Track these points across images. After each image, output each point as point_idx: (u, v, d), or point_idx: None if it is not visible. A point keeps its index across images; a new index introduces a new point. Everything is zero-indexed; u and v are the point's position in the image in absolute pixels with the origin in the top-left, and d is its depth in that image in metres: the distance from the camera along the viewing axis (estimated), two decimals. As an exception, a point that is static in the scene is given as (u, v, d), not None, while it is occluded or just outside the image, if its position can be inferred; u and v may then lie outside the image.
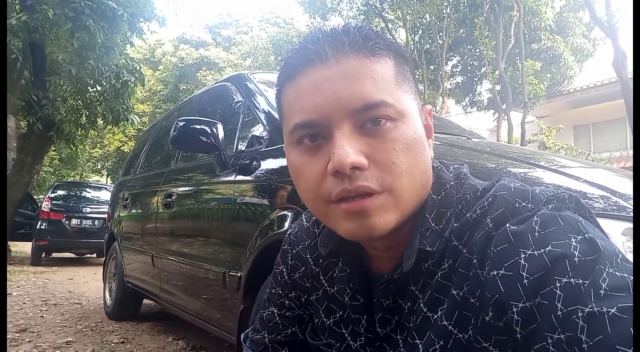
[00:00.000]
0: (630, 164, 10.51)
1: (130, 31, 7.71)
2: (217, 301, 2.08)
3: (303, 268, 0.73)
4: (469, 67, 15.12)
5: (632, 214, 0.94)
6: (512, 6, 11.01)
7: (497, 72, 11.22)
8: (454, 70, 15.57)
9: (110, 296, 3.87)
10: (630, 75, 7.34)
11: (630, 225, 0.90)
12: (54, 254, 9.25)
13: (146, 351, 2.83)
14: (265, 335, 0.75)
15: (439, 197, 0.57)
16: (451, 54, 14.93)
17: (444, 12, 12.93)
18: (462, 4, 12.83)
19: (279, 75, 0.59)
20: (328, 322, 0.68)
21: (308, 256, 0.72)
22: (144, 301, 3.74)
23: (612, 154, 12.54)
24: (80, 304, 4.42)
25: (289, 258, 0.75)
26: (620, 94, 7.66)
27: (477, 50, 13.30)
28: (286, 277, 0.75)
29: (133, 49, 10.09)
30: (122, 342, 2.98)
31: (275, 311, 0.75)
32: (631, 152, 11.32)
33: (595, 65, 13.98)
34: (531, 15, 11.83)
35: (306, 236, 0.74)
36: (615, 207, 0.99)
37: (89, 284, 5.84)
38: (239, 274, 1.78)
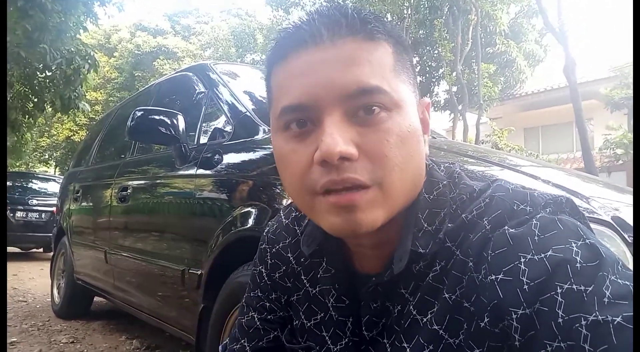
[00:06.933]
0: (576, 165, 11.08)
1: (85, 14, 7.33)
2: (174, 299, 2.02)
3: (284, 267, 0.68)
4: (427, 68, 15.44)
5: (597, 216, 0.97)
6: (470, 10, 11.34)
7: (454, 74, 11.53)
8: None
9: (58, 293, 3.68)
10: (580, 81, 7.71)
11: (595, 226, 0.92)
12: (-4, 249, 8.75)
13: (97, 350, 2.72)
14: (246, 343, 0.69)
15: (431, 197, 0.55)
16: (411, 54, 15.20)
17: (405, 12, 13.12)
18: (422, 6, 13.08)
19: (269, 57, 0.55)
20: (308, 324, 0.64)
21: (289, 254, 0.68)
22: (94, 299, 3.59)
23: (559, 156, 13.21)
24: (25, 301, 4.19)
25: (268, 257, 0.71)
26: (568, 98, 8.05)
27: (436, 51, 13.60)
28: (266, 278, 0.70)
29: (87, 34, 9.61)
30: (72, 342, 2.84)
31: (256, 315, 0.70)
32: (578, 154, 11.93)
33: (546, 71, 14.64)
34: (487, 19, 12.21)
35: (286, 234, 0.70)
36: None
37: (35, 281, 5.54)
38: (199, 272, 1.72)
